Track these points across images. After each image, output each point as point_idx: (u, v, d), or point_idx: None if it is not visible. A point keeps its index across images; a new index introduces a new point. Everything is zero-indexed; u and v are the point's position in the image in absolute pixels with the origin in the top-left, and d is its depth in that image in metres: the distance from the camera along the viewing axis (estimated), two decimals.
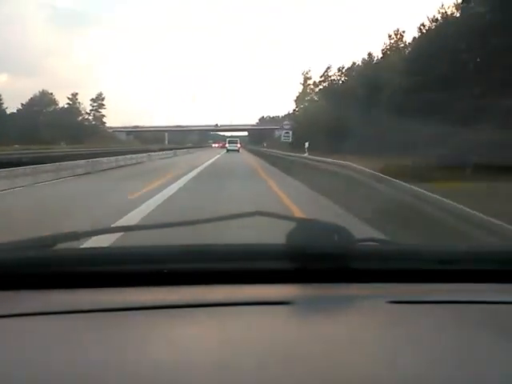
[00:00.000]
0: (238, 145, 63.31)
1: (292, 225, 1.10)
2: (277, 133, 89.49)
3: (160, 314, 0.91)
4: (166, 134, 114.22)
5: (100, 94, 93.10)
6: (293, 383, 0.65)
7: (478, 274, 1.12)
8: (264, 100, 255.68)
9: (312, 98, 69.78)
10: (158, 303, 0.95)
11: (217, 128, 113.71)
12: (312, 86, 70.97)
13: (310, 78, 71.85)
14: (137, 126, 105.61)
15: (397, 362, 0.72)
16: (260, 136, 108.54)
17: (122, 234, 2.15)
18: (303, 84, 73.27)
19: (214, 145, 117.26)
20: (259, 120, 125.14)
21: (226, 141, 75.45)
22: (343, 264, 1.06)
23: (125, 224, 5.75)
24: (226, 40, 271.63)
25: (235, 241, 1.24)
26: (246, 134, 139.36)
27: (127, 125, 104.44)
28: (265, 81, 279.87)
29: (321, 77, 68.70)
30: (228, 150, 58.43)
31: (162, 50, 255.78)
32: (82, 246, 1.25)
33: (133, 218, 6.83)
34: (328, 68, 66.99)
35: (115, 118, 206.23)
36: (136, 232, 1.25)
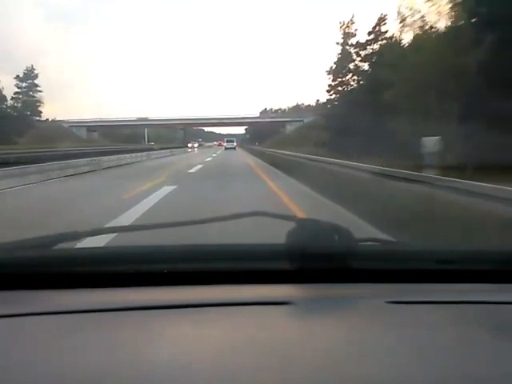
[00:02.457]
0: (235, 143, 73.52)
1: (292, 225, 1.10)
2: (289, 127, 72.59)
3: (160, 314, 0.91)
4: (146, 130, 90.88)
5: (30, 70, 57.80)
6: (293, 383, 0.65)
7: (477, 274, 1.12)
8: (265, 91, 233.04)
9: (359, 66, 40.41)
10: (158, 303, 0.95)
11: (209, 122, 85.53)
12: (354, 49, 40.64)
13: (353, 35, 41.11)
14: (103, 120, 78.43)
15: (396, 362, 0.72)
16: (263, 132, 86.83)
17: (121, 233, 2.14)
18: (342, 44, 41.83)
19: (192, 145, 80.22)
20: (260, 113, 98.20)
21: (223, 140, 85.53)
22: (343, 264, 1.06)
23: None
24: (220, 21, 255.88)
25: (235, 241, 1.24)
26: (243, 132, 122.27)
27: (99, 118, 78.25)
28: (266, 69, 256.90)
29: (369, 34, 39.13)
30: (226, 148, 67.48)
31: (144, 30, 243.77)
32: (81, 246, 1.25)
33: None
34: (381, 20, 38.16)
35: (82, 110, 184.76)
36: (136, 232, 1.25)
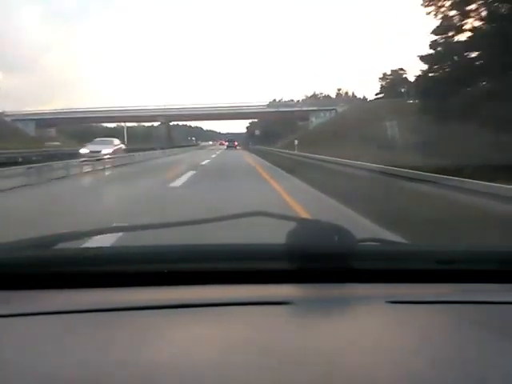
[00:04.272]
0: (236, 143, 70.29)
1: (292, 225, 1.10)
2: (314, 120, 53.60)
3: (160, 314, 0.92)
4: (125, 126, 69.00)
5: None
6: (293, 383, 0.65)
7: (477, 274, 1.13)
8: (272, 80, 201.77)
9: None
10: (158, 303, 0.95)
11: (203, 113, 63.94)
12: None
13: None
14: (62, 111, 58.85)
15: (396, 362, 0.72)
16: (274, 128, 68.34)
17: (121, 233, 2.14)
18: None
19: (93, 150, 22.93)
20: (267, 106, 70.22)
21: (224, 139, 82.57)
22: (343, 264, 1.06)
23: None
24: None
25: (235, 241, 1.24)
26: (245, 130, 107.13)
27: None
28: (273, 54, 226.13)
29: None
30: (228, 147, 65.84)
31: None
32: (81, 246, 1.25)
33: None
34: None
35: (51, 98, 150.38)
36: (136, 232, 1.25)
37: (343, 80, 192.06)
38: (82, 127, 67.61)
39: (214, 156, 32.73)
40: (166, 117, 64.02)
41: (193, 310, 0.93)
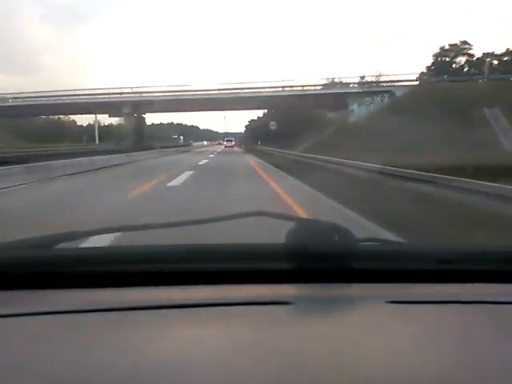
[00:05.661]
0: (233, 143, 74.34)
1: (292, 224, 1.10)
2: (356, 109, 37.66)
3: (160, 314, 0.92)
4: (96, 120, 54.41)
5: None
6: (293, 383, 0.66)
7: (478, 274, 1.12)
8: (283, 64, 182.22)
9: None
10: (157, 303, 0.95)
11: (191, 95, 46.98)
12: None
13: None
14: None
15: (396, 362, 0.72)
16: (285, 122, 47.93)
17: (121, 233, 2.14)
18: None
19: None
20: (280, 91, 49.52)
21: (223, 139, 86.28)
22: (343, 264, 1.06)
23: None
24: None
25: (235, 241, 1.24)
26: (244, 130, 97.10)
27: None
28: (284, 34, 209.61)
29: None
30: (226, 146, 69.50)
31: None
32: (81, 246, 1.25)
33: None
34: None
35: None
36: (136, 232, 1.25)
37: (363, 67, 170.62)
38: (41, 122, 50.49)
39: (170, 185, 11.97)
40: (135, 104, 45.10)
41: (193, 310, 0.93)
